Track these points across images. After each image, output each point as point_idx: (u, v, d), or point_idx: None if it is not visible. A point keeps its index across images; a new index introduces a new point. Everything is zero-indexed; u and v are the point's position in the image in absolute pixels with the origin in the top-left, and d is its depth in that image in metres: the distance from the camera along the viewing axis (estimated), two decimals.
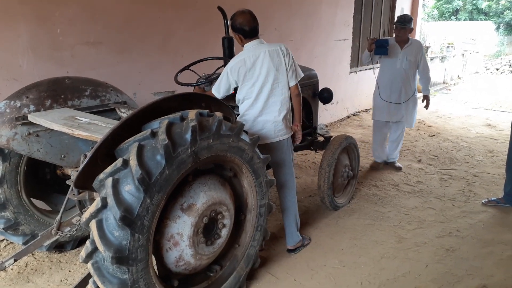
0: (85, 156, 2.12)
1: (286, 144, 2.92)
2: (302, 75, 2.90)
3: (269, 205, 2.68)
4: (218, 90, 2.84)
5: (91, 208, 1.82)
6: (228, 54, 3.40)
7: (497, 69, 16.17)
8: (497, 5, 22.52)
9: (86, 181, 1.93)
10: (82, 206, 2.69)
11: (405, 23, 4.38)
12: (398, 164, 5.08)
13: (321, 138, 3.95)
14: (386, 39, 4.54)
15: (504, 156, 4.05)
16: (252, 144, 2.40)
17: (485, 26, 21.89)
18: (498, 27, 22.34)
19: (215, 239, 2.38)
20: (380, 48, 4.43)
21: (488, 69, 16.45)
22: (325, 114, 7.11)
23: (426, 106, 4.80)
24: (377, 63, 4.93)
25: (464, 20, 23.86)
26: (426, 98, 4.75)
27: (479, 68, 16.19)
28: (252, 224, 2.63)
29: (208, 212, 2.26)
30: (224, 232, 2.42)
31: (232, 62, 2.76)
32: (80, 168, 1.91)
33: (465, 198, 4.14)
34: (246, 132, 2.41)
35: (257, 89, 2.74)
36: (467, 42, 17.24)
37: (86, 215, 1.84)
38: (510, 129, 3.82)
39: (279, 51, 2.73)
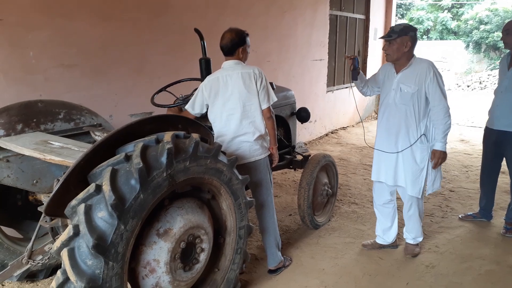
0: (58, 181, 2.06)
1: (263, 164, 2.92)
2: (275, 99, 2.90)
3: (249, 226, 2.65)
4: (193, 106, 2.91)
5: (63, 236, 1.75)
6: (205, 75, 3.39)
7: (468, 86, 16.75)
8: (466, 25, 23.51)
9: (58, 208, 1.87)
10: (55, 233, 2.61)
11: (390, 34, 2.91)
12: (417, 250, 3.36)
13: (299, 157, 3.97)
14: (356, 57, 3.22)
15: (478, 170, 4.14)
16: (230, 165, 2.38)
17: (455, 45, 22.78)
18: (467, 46, 23.26)
19: (194, 264, 2.31)
20: (354, 71, 3.22)
21: (459, 86, 17.03)
22: (304, 133, 7.17)
23: (434, 165, 3.04)
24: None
25: (435, 39, 24.78)
26: (434, 153, 3.01)
27: (451, 85, 16.73)
28: (232, 247, 2.58)
29: (186, 236, 2.21)
30: (203, 257, 2.36)
31: (206, 80, 2.84)
32: (51, 195, 1.85)
33: (442, 214, 4.20)
34: (224, 153, 2.40)
35: (228, 109, 2.77)
36: (438, 60, 17.85)
37: (57, 243, 1.77)
38: (482, 144, 3.93)
39: (251, 74, 2.76)
